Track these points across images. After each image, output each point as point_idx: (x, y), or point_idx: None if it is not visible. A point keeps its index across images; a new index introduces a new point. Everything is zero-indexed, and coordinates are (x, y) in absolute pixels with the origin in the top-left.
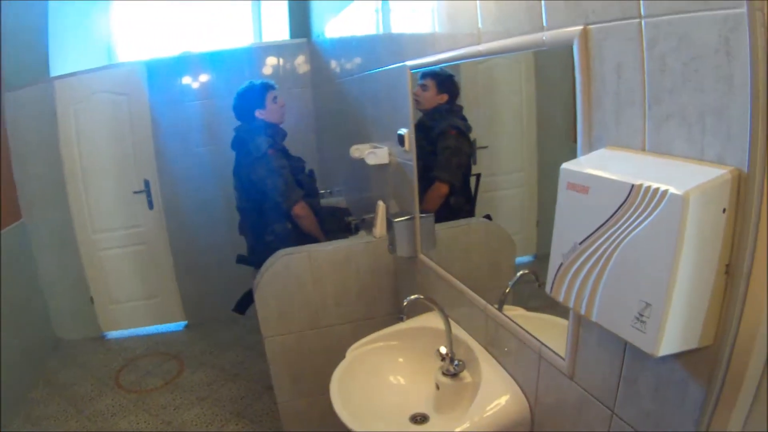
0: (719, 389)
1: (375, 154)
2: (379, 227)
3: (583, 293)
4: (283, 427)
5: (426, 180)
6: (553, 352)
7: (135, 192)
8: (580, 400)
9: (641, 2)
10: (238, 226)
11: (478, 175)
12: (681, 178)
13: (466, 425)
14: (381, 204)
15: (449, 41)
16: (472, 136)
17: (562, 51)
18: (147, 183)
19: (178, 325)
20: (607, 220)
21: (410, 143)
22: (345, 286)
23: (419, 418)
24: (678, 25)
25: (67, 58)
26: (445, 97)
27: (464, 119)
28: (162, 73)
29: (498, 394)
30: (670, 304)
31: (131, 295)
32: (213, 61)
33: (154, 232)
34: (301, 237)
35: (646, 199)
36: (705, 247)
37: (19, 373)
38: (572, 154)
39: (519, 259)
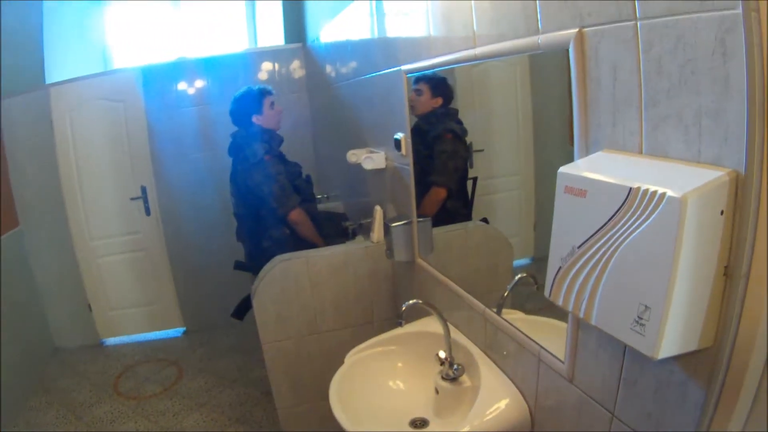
0: (719, 390)
1: (372, 159)
2: (377, 232)
3: (582, 296)
4: None
5: (423, 184)
6: (552, 355)
7: (132, 198)
8: (579, 403)
9: (637, 4)
10: (235, 232)
11: (475, 179)
12: (678, 181)
13: (465, 429)
14: (378, 209)
15: (445, 45)
16: (468, 139)
17: (558, 54)
18: (144, 189)
19: (177, 331)
20: (605, 224)
21: (407, 147)
22: (343, 292)
23: (419, 423)
24: (674, 27)
25: (62, 64)
26: (439, 101)
27: (460, 123)
28: (157, 79)
29: (498, 398)
30: (670, 306)
31: (129, 302)
32: (208, 66)
33: (152, 238)
34: (299, 242)
35: (644, 202)
36: (703, 249)
37: (18, 381)
38: (569, 157)
39: (516, 262)
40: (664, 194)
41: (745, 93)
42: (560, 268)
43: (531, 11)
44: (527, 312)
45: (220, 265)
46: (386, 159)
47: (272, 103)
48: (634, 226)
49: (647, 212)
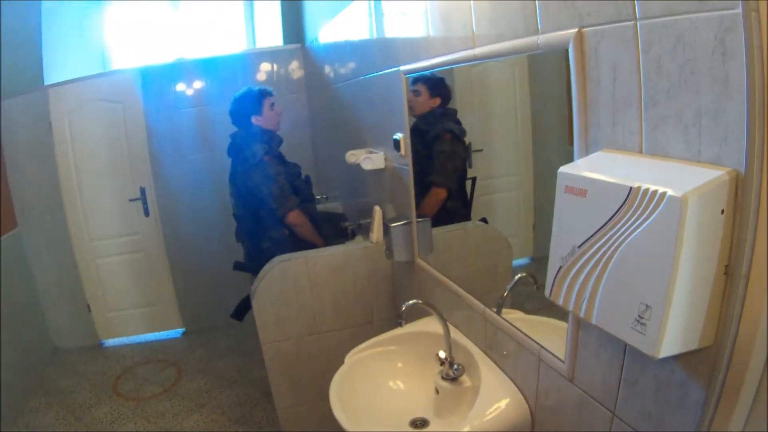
0: (720, 389)
1: (371, 159)
2: (376, 232)
3: (583, 296)
4: None
5: (422, 184)
6: (553, 354)
7: (131, 200)
8: (580, 403)
9: (636, 4)
10: (234, 232)
11: (474, 179)
12: (679, 180)
13: (466, 429)
14: (377, 209)
15: (444, 45)
16: (467, 139)
17: (557, 54)
18: (143, 190)
19: (176, 332)
20: (605, 223)
21: (406, 148)
22: (343, 292)
23: (419, 423)
24: (673, 27)
25: (61, 65)
26: (437, 101)
27: (459, 123)
28: (156, 80)
29: (498, 398)
30: (670, 305)
31: (128, 303)
32: (207, 67)
33: (151, 239)
34: (298, 243)
35: (645, 202)
36: (704, 249)
37: (17, 382)
38: (568, 157)
39: (516, 262)
40: (664, 194)
41: (744, 93)
42: (561, 267)
43: (530, 11)
44: (527, 312)
45: (220, 265)
46: (385, 159)
47: (272, 104)
48: (634, 226)
49: (648, 212)
